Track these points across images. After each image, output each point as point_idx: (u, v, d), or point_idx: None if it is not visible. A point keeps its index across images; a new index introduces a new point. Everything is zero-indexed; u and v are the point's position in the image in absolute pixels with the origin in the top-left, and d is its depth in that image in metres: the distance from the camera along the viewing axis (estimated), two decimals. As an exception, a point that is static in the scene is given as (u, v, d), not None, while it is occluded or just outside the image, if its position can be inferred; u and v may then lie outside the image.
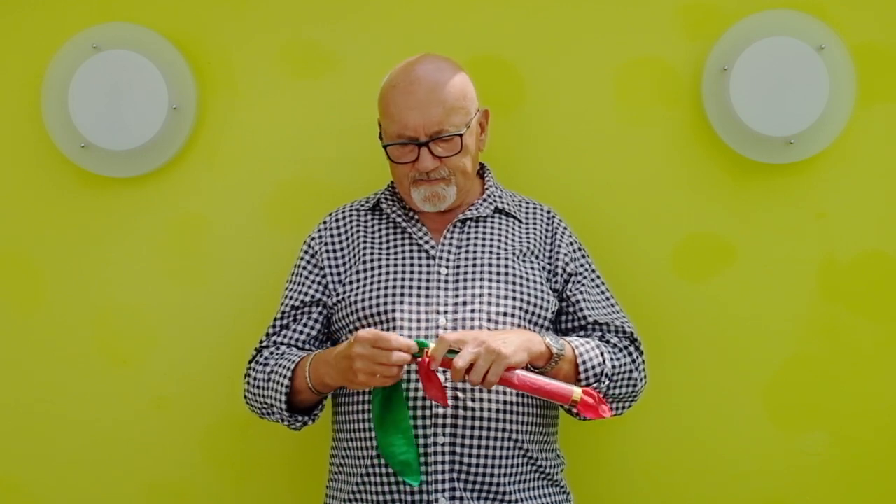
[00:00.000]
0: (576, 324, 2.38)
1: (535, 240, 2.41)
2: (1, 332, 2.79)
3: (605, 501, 2.72)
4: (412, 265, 2.34)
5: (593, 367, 2.25)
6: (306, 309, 2.40)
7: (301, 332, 2.39)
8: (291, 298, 2.41)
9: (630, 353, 2.36)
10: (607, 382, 2.28)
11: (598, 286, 2.44)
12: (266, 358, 2.36)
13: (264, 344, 2.41)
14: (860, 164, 2.72)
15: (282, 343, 2.39)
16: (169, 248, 2.78)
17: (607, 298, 2.44)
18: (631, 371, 2.34)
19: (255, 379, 2.35)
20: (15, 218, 2.80)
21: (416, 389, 2.22)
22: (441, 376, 2.16)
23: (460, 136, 2.31)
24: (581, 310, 2.38)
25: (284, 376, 2.28)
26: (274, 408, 2.31)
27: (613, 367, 2.29)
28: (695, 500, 2.73)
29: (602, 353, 2.28)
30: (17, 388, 2.79)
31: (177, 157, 2.77)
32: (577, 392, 2.12)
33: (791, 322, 2.72)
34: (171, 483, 2.77)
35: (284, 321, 2.41)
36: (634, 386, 2.35)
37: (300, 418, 2.33)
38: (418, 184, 2.33)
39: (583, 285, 2.41)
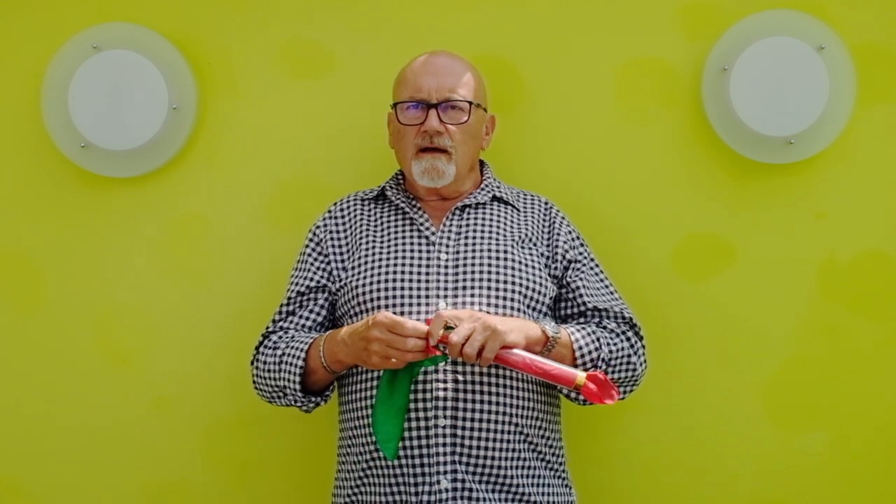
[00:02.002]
0: (575, 310, 2.40)
1: (532, 227, 2.44)
2: (1, 332, 2.79)
3: (606, 500, 2.72)
4: (412, 251, 2.37)
5: (590, 353, 2.28)
6: (312, 295, 2.42)
7: (307, 318, 2.41)
8: (297, 285, 2.43)
9: (629, 339, 2.38)
10: (604, 367, 2.31)
11: (596, 274, 2.47)
12: (275, 342, 2.38)
13: (271, 329, 2.43)
14: (860, 164, 2.72)
15: (289, 328, 2.41)
16: (169, 248, 2.78)
17: (606, 286, 2.46)
18: (629, 356, 2.35)
19: (264, 363, 2.36)
20: (15, 218, 2.80)
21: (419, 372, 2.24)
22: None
23: (469, 104, 2.37)
24: (580, 296, 2.40)
25: (298, 357, 2.30)
26: (287, 389, 2.32)
27: (610, 351, 2.31)
28: (695, 499, 2.73)
29: (598, 339, 2.31)
30: (17, 388, 2.79)
31: (177, 157, 2.77)
32: (580, 377, 2.14)
33: (791, 322, 2.72)
34: (171, 483, 2.77)
35: (290, 307, 2.43)
36: (634, 371, 2.37)
37: (313, 399, 2.35)
38: (420, 155, 2.38)
39: (582, 272, 2.43)
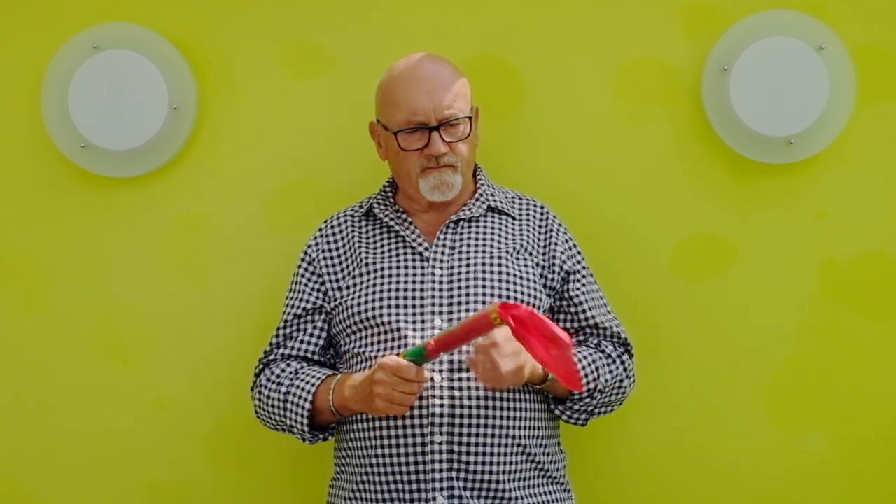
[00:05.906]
0: (576, 325, 2.39)
1: (528, 236, 2.42)
2: (1, 332, 2.79)
3: (606, 501, 2.72)
4: (406, 268, 2.35)
5: (587, 384, 2.29)
6: (308, 317, 2.41)
7: (307, 343, 2.40)
8: (293, 307, 2.42)
9: (623, 362, 2.38)
10: (599, 397, 2.32)
11: (595, 286, 2.46)
12: (278, 376, 2.36)
13: (271, 357, 2.41)
14: (860, 164, 2.72)
15: (289, 356, 2.39)
16: (169, 247, 2.78)
17: (601, 298, 2.46)
18: (621, 380, 2.37)
19: (268, 398, 2.35)
20: (15, 218, 2.80)
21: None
22: (427, 373, 2.18)
23: (469, 118, 2.35)
24: (584, 311, 2.39)
25: (305, 399, 2.29)
26: (294, 428, 2.32)
27: (606, 381, 2.32)
28: (695, 499, 2.73)
29: (597, 369, 2.31)
30: (18, 389, 2.79)
31: (177, 157, 2.77)
32: (491, 309, 2.03)
33: (791, 322, 2.72)
34: (171, 483, 2.77)
35: (287, 330, 2.42)
36: (623, 393, 2.40)
37: (319, 435, 2.35)
38: (427, 172, 2.34)
39: (583, 285, 2.42)
